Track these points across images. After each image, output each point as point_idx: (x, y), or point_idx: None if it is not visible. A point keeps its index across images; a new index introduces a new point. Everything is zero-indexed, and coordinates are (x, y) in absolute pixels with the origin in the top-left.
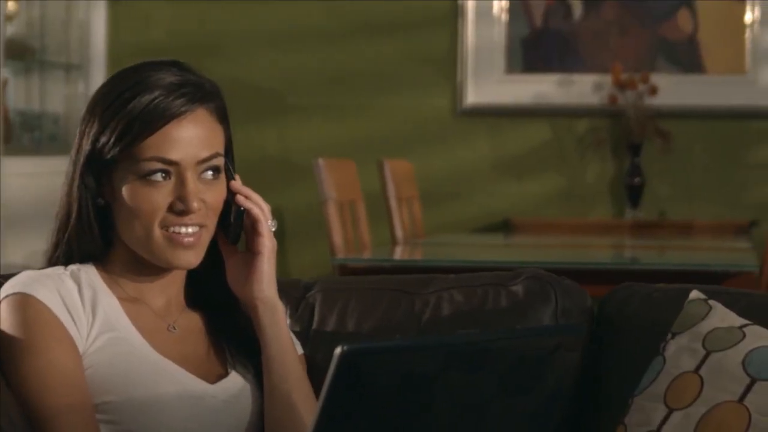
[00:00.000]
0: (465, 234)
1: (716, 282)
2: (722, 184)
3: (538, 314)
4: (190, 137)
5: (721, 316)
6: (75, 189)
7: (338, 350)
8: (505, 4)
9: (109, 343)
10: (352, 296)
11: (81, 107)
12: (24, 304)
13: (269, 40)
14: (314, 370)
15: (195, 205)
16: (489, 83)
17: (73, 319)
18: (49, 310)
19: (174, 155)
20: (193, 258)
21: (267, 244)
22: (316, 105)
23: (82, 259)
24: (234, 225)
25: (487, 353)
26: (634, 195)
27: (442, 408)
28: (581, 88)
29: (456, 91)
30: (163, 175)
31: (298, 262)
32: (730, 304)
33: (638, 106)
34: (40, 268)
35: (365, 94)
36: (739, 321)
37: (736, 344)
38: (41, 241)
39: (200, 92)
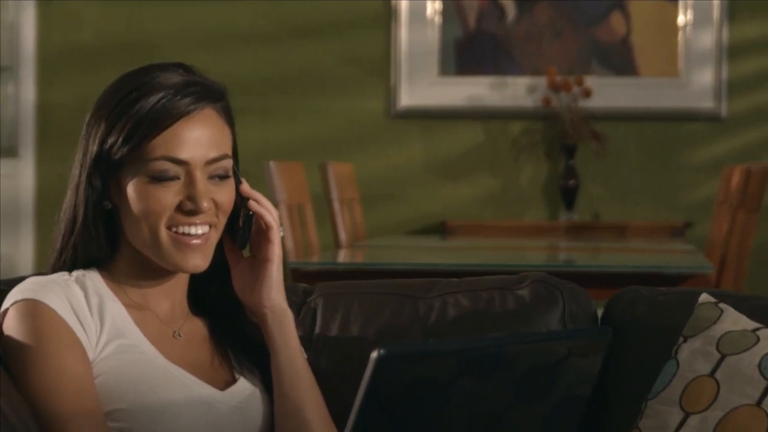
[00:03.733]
0: (403, 236)
1: (672, 284)
2: (656, 186)
3: (546, 318)
4: (199, 137)
5: (734, 320)
6: (81, 192)
7: (375, 353)
8: (438, 6)
9: (118, 350)
10: (354, 300)
11: (11, 109)
12: (33, 310)
13: (201, 41)
14: (317, 375)
15: (205, 204)
16: (422, 85)
17: (82, 326)
18: (59, 317)
19: (183, 154)
20: (201, 261)
21: (277, 251)
22: (250, 108)
23: (86, 265)
24: (243, 229)
25: (517, 355)
26: (569, 197)
27: (473, 408)
28: (515, 91)
29: (389, 93)
30: (172, 175)
31: None
32: (735, 307)
33: (572, 109)
34: (41, 274)
35: (298, 97)
36: (752, 324)
37: (750, 347)
38: None
39: (207, 91)
